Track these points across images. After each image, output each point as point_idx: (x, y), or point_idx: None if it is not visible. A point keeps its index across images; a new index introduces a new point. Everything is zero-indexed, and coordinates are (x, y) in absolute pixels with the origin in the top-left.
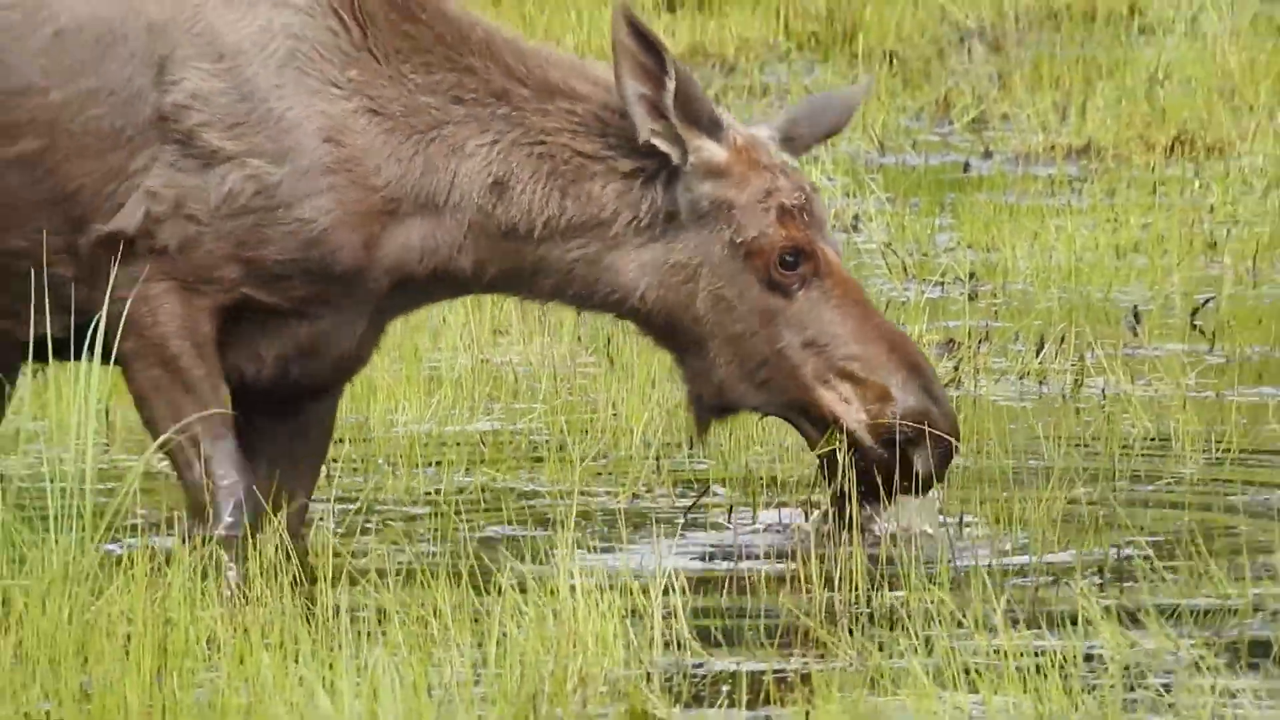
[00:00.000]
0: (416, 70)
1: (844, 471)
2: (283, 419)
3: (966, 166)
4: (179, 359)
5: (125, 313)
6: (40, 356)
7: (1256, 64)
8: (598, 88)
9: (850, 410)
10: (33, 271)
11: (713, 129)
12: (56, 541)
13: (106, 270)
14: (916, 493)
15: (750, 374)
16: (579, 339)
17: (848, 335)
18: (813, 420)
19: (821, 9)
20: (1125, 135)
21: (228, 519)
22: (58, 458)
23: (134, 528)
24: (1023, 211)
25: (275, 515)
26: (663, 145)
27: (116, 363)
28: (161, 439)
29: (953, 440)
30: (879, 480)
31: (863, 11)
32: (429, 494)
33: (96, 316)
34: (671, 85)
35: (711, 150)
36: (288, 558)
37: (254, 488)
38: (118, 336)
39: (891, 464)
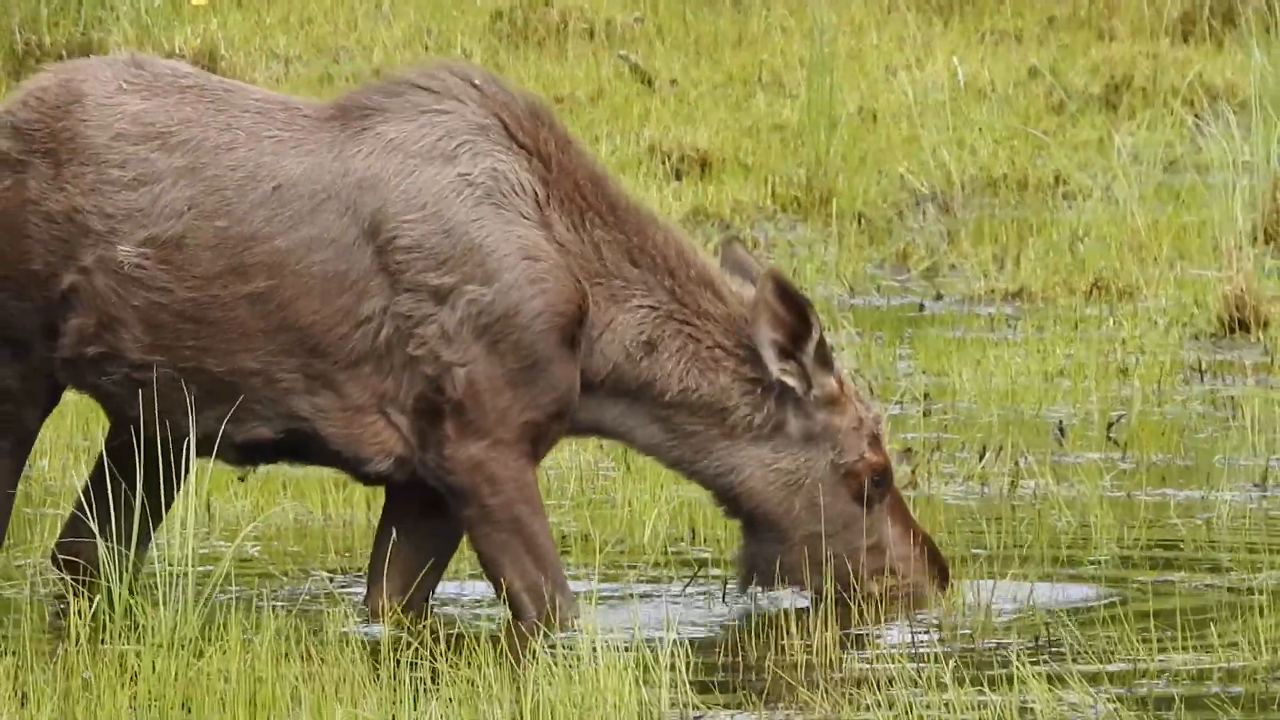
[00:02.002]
0: (598, 227)
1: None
2: (434, 514)
3: (921, 306)
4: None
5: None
6: (251, 457)
7: (1159, 223)
8: (735, 296)
9: (881, 588)
10: (259, 384)
11: (829, 366)
12: (165, 612)
13: (332, 384)
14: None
15: (817, 564)
16: (600, 447)
17: (898, 539)
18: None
19: (802, 178)
20: (1052, 281)
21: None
22: (166, 543)
23: (229, 602)
24: (968, 344)
25: (400, 593)
26: (790, 381)
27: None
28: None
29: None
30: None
31: (836, 180)
32: (473, 574)
33: (303, 424)
34: (816, 337)
35: (831, 385)
36: (358, 626)
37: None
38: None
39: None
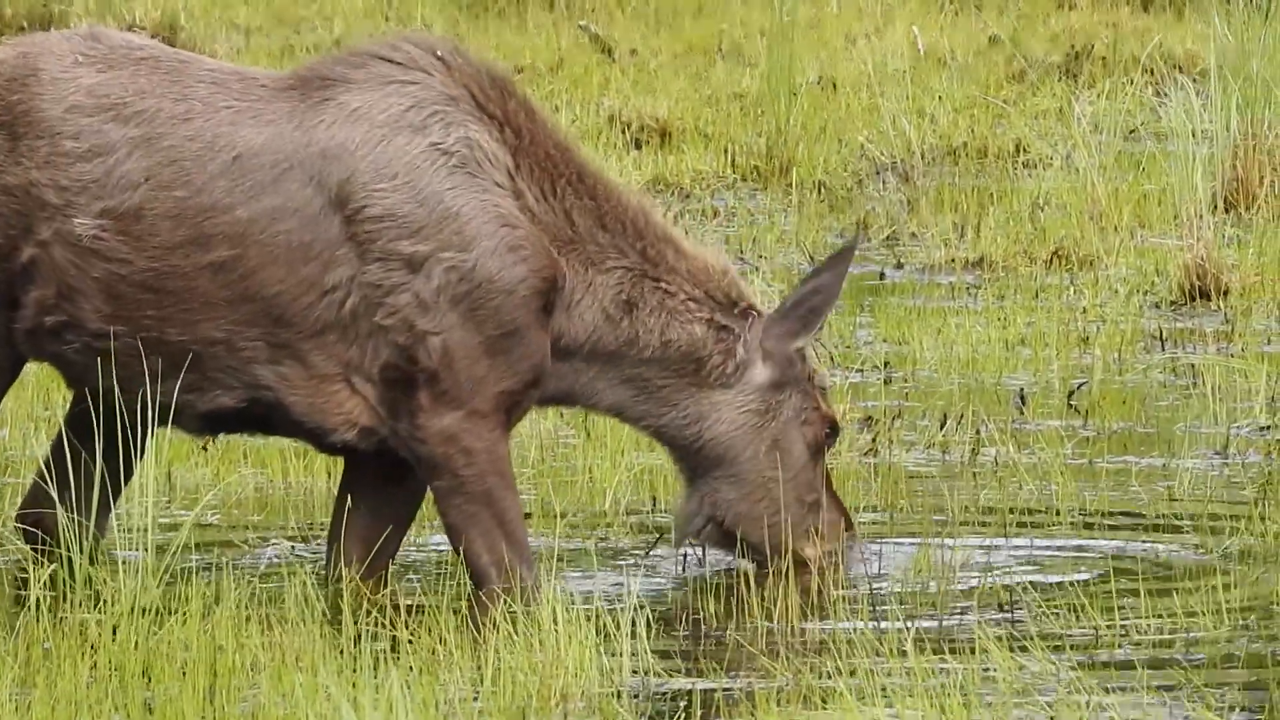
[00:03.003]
0: (569, 194)
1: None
2: (394, 482)
3: (882, 275)
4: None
5: (430, 453)
6: (213, 426)
7: (1120, 193)
8: (694, 249)
9: (811, 555)
10: (222, 354)
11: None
12: (125, 582)
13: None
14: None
15: (771, 514)
16: (561, 415)
17: (830, 503)
18: (770, 554)
19: (762, 147)
20: (1012, 250)
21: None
22: (126, 512)
23: (189, 570)
24: (928, 312)
25: (360, 559)
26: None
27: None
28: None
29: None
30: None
31: (796, 149)
32: (437, 544)
33: (267, 394)
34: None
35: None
36: (319, 595)
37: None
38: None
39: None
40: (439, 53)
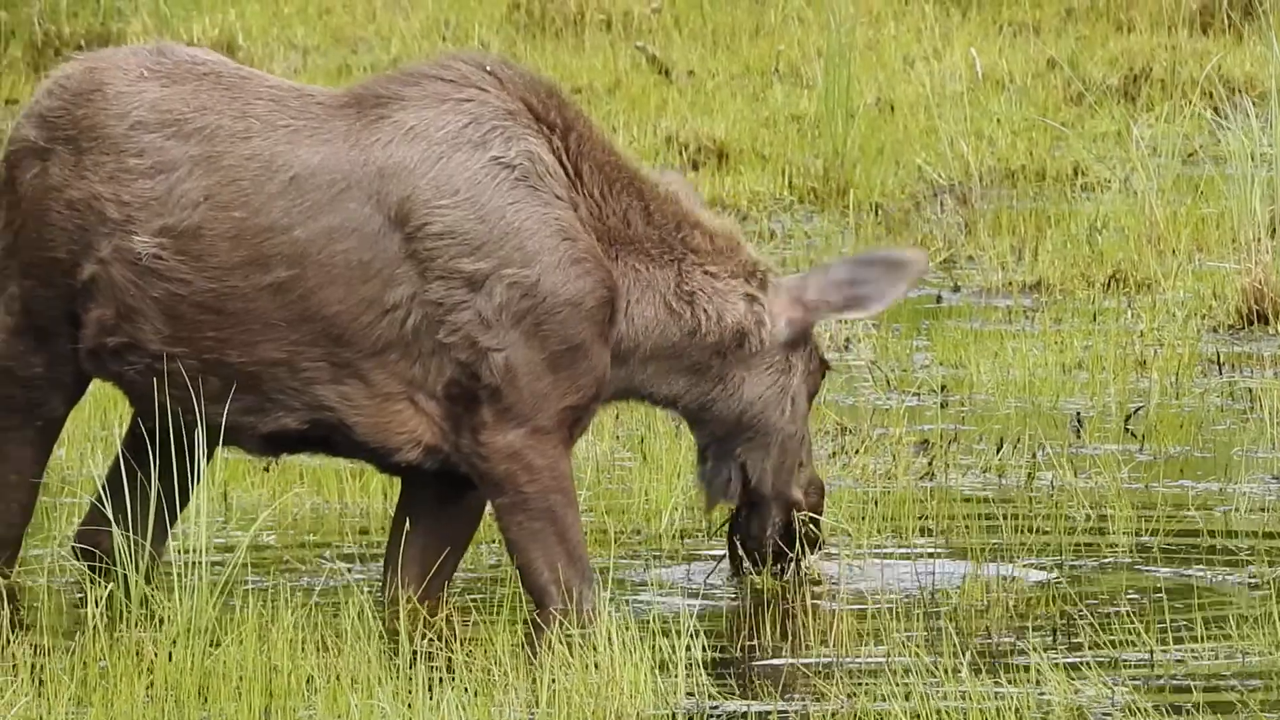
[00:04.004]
0: (623, 194)
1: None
2: (451, 502)
3: (939, 298)
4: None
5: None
6: (275, 448)
7: (1178, 216)
8: (716, 223)
9: (799, 499)
10: (283, 374)
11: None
12: (181, 602)
13: (363, 375)
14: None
15: (789, 468)
16: (617, 438)
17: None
18: (776, 512)
19: (819, 169)
20: (1070, 274)
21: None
22: (183, 532)
23: (245, 591)
24: (985, 335)
25: (417, 582)
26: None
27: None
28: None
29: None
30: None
31: (853, 171)
32: (493, 565)
33: (329, 414)
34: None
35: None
36: (375, 616)
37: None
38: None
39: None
40: (489, 68)
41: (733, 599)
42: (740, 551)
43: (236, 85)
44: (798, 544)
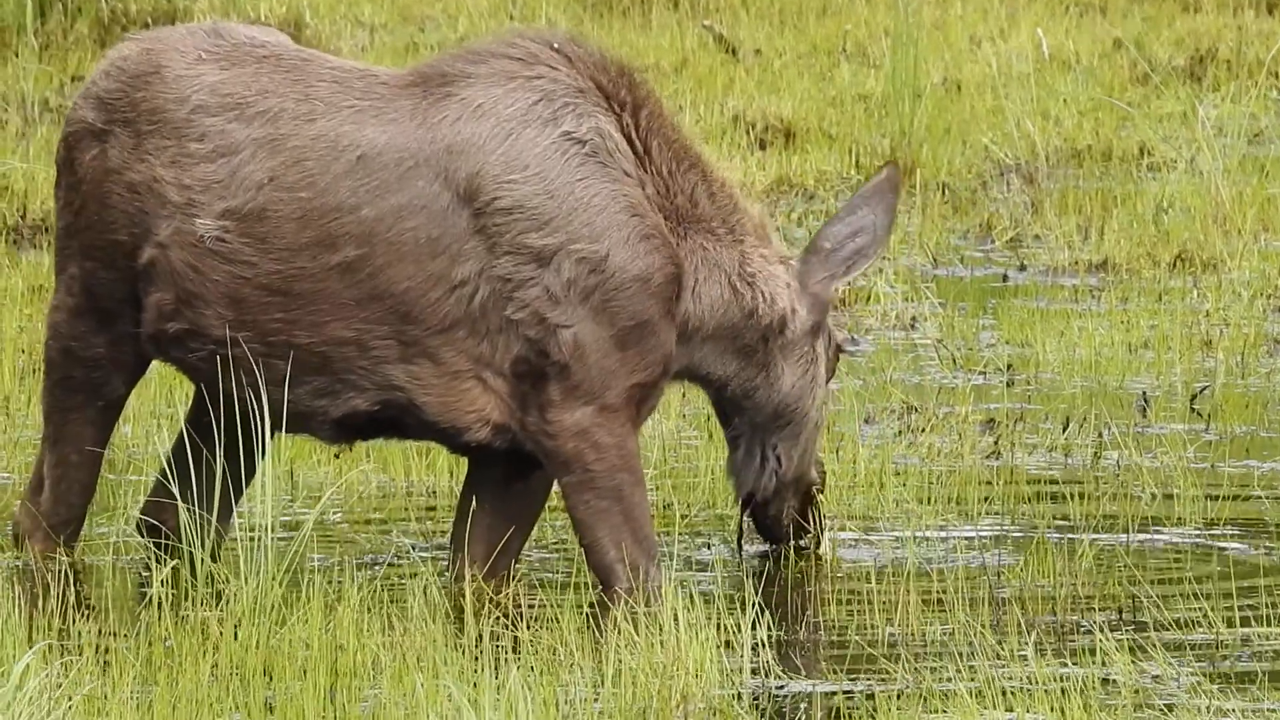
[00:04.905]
0: (688, 172)
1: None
2: (518, 481)
3: (1005, 277)
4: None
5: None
6: (347, 433)
7: (1244, 196)
8: (752, 207)
9: (816, 478)
10: (353, 354)
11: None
12: (246, 580)
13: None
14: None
15: (812, 453)
16: (684, 416)
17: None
18: (797, 498)
19: (886, 148)
20: (1136, 253)
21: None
22: (248, 510)
23: (311, 569)
24: (1051, 314)
25: (483, 559)
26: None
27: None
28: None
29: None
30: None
31: (920, 150)
32: (556, 543)
33: (399, 394)
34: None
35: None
36: (440, 594)
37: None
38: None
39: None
40: (556, 45)
41: (797, 578)
42: (755, 530)
43: (298, 67)
44: (815, 521)
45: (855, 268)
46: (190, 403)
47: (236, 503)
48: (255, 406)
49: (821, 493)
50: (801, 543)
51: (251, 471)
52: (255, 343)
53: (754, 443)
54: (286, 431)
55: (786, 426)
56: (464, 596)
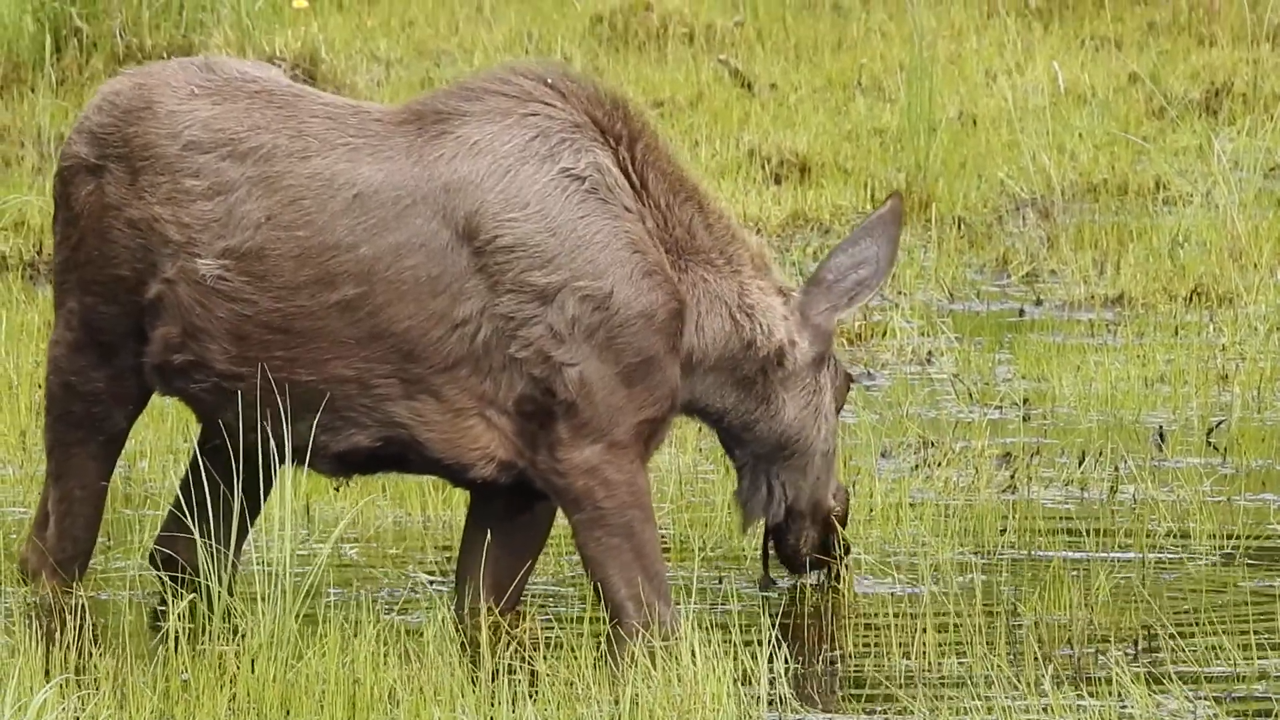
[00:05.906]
0: (685, 204)
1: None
2: (522, 511)
3: (1021, 312)
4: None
5: (570, 486)
6: (347, 467)
7: (1260, 230)
8: (749, 237)
9: (831, 508)
10: (354, 392)
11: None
12: (264, 614)
13: (434, 390)
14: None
15: (824, 483)
16: (699, 450)
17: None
18: (812, 524)
19: (901, 182)
20: (1152, 288)
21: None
22: (264, 544)
23: (327, 604)
24: (1068, 349)
25: (494, 592)
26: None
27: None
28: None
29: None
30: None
31: (935, 185)
32: (572, 576)
33: (401, 431)
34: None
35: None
36: (457, 628)
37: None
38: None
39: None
40: (549, 80)
41: (814, 611)
42: (778, 560)
43: (289, 103)
44: (838, 551)
45: (857, 299)
46: (199, 434)
47: (245, 534)
48: (260, 440)
49: (844, 524)
50: (820, 574)
51: (257, 506)
52: (257, 378)
53: (759, 474)
54: (285, 463)
55: (791, 458)
56: (479, 630)
